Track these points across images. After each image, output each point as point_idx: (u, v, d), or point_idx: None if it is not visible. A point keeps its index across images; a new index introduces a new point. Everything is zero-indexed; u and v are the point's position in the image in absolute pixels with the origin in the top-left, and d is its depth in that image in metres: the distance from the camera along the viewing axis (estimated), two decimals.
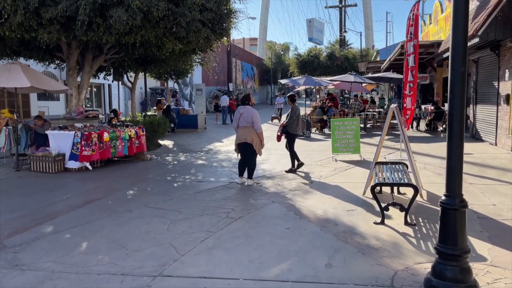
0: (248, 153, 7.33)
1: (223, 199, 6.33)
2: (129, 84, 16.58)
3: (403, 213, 4.94)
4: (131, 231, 4.92)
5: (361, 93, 25.33)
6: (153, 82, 25.88)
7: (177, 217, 5.41)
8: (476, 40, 10.18)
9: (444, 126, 15.73)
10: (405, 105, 9.74)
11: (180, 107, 22.62)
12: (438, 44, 14.78)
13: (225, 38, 12.90)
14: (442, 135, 14.68)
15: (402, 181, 5.36)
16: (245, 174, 7.40)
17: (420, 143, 12.04)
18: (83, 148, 8.81)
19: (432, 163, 8.92)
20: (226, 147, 12.64)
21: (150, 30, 9.06)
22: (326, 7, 61.14)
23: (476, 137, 12.74)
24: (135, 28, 8.78)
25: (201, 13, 9.52)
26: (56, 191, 7.17)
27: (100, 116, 11.78)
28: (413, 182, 5.49)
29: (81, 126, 9.57)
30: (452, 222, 3.06)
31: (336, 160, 9.62)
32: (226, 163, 9.80)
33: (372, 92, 34.53)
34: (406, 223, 4.87)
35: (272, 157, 10.21)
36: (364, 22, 63.73)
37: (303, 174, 8.10)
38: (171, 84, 24.36)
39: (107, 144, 9.20)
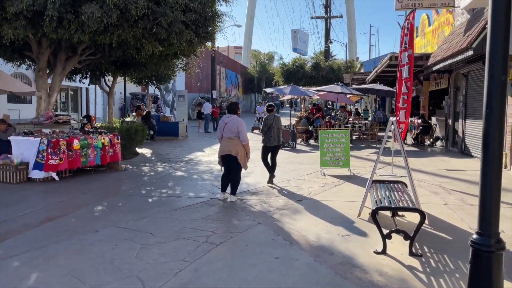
0: (232, 167, 6.68)
1: (203, 218, 5.64)
2: (107, 88, 15.70)
3: (404, 238, 4.35)
4: (93, 259, 4.18)
5: (346, 104, 25.02)
6: (133, 87, 24.91)
7: (148, 241, 4.69)
8: (470, 53, 9.84)
9: (431, 140, 15.44)
10: (397, 118, 9.29)
11: (161, 113, 21.77)
12: (427, 56, 14.49)
13: (209, 42, 12.28)
14: (429, 149, 14.37)
15: (402, 200, 4.83)
16: (228, 189, 6.74)
17: (409, 158, 11.56)
18: (50, 156, 7.98)
19: (425, 180, 8.45)
20: (208, 157, 11.94)
21: (127, 30, 8.34)
22: (312, 17, 61.45)
23: (466, 153, 12.40)
24: (111, 27, 8.05)
25: (184, 14, 8.86)
26: (13, 205, 6.33)
27: (72, 121, 10.91)
28: (416, 205, 4.93)
29: (49, 132, 8.74)
30: (486, 267, 2.47)
31: (324, 175, 9.04)
32: (207, 175, 9.10)
33: (356, 104, 34.40)
34: (411, 253, 4.28)
35: (257, 169, 9.56)
36: (348, 34, 64.25)
37: (290, 190, 7.47)
38: (152, 89, 23.49)
39: (77, 152, 8.40)
